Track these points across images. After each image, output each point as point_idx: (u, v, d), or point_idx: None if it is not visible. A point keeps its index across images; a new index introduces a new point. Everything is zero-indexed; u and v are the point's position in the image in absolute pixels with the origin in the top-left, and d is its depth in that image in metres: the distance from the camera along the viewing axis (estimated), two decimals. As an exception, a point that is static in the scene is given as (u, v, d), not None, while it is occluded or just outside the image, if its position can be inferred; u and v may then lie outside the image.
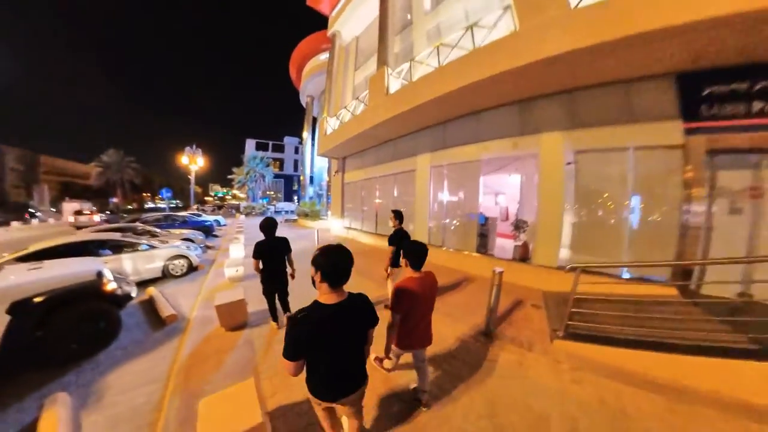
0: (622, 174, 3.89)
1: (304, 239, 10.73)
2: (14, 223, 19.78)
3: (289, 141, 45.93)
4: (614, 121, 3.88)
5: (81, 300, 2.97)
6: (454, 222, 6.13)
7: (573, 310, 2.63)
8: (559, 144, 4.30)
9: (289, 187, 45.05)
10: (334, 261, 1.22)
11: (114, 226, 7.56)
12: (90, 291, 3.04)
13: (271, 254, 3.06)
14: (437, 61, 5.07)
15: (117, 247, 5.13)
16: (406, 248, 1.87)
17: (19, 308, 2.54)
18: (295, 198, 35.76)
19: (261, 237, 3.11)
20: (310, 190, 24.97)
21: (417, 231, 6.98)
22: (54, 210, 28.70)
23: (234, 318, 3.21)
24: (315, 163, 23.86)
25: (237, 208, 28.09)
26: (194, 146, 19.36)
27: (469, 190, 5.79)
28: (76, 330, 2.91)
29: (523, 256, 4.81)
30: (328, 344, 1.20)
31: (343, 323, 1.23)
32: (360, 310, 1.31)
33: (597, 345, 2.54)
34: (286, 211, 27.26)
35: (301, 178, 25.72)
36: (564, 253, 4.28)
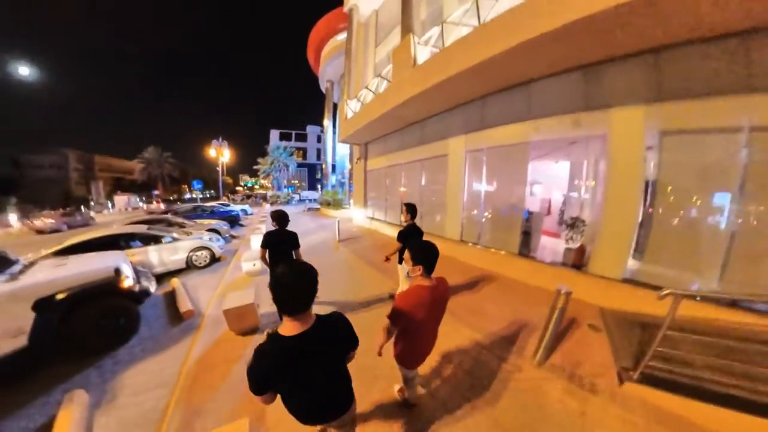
0: (728, 163, 2.94)
1: (325, 230, 10.68)
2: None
3: (311, 130, 46.53)
4: (720, 90, 2.90)
5: (99, 297, 3.06)
6: (493, 216, 5.43)
7: (658, 348, 2.00)
8: (638, 122, 3.38)
9: (313, 175, 46.11)
10: (284, 287, 1.04)
11: (148, 217, 8.10)
12: (107, 288, 3.11)
13: (279, 246, 2.99)
14: (477, 19, 4.26)
15: (145, 240, 5.39)
16: (414, 249, 1.59)
17: (43, 305, 2.66)
18: (319, 186, 36.47)
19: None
20: (332, 179, 25.11)
21: (448, 225, 6.40)
22: (109, 202, 32.92)
23: (243, 322, 3.09)
24: (336, 151, 23.74)
25: (264, 197, 29.42)
26: (220, 139, 20.32)
27: (513, 178, 5.00)
28: (98, 325, 3.04)
29: (577, 262, 4.08)
30: (295, 378, 1.08)
31: (310, 355, 1.08)
32: (331, 337, 1.16)
33: (687, 398, 1.92)
34: (310, 200, 27.88)
35: (323, 166, 25.92)
36: (633, 264, 3.49)
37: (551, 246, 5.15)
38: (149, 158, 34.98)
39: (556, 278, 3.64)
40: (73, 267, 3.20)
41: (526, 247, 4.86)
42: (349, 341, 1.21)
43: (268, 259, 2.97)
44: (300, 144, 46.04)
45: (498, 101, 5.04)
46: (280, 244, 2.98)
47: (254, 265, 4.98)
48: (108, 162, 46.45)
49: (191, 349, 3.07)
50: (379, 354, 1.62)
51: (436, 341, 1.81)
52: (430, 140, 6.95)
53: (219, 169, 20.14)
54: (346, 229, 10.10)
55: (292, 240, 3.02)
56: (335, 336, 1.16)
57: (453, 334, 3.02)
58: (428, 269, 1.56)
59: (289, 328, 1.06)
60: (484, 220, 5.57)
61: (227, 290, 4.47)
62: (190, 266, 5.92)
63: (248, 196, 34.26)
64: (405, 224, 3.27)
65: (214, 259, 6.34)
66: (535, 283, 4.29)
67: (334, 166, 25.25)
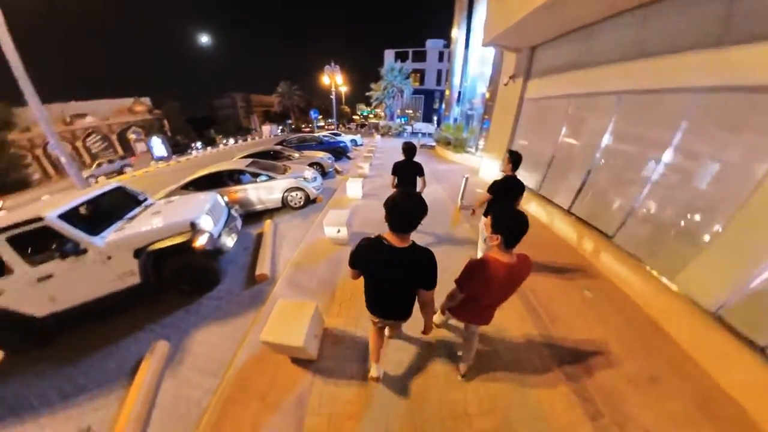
0: None
1: (440, 182, 7.90)
2: (239, 140, 32.86)
3: (431, 45, 40.05)
4: None
5: (177, 254, 3.30)
6: None
7: None
8: None
9: (429, 104, 42.22)
10: (395, 207, 1.34)
11: (263, 149, 9.13)
12: (181, 247, 3.26)
13: (406, 174, 3.80)
14: None
15: (255, 174, 5.93)
16: (498, 214, 1.50)
17: (139, 254, 3.16)
18: (435, 118, 33.29)
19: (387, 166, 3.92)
20: (456, 110, 21.13)
21: (721, 240, 2.53)
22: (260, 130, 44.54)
23: (292, 353, 2.43)
24: (467, 72, 18.97)
25: (376, 127, 29.67)
26: (332, 63, 20.48)
27: None
28: (183, 275, 3.44)
29: None
30: (374, 275, 1.60)
31: (390, 266, 1.46)
32: (413, 265, 1.45)
33: None
34: (423, 134, 25.46)
35: (446, 92, 22.13)
36: None
37: None
38: (282, 92, 43.79)
39: None
40: (163, 217, 3.54)
41: None
42: (425, 279, 1.48)
43: (396, 185, 3.81)
44: (417, 65, 41.48)
45: None
46: (409, 172, 3.79)
47: (339, 231, 4.29)
48: (259, 98, 62.40)
49: (245, 338, 2.80)
50: (443, 312, 2.11)
51: (494, 315, 1.91)
52: (732, 40, 2.57)
53: (332, 96, 21.13)
54: (469, 189, 6.21)
55: (418, 169, 3.80)
56: (419, 264, 1.45)
57: None
58: (508, 242, 1.47)
59: (390, 239, 1.43)
60: None
61: (302, 259, 4.09)
62: (286, 206, 6.19)
63: (362, 125, 36.09)
64: (504, 175, 3.02)
65: (309, 201, 6.38)
66: None
67: (460, 93, 20.97)
